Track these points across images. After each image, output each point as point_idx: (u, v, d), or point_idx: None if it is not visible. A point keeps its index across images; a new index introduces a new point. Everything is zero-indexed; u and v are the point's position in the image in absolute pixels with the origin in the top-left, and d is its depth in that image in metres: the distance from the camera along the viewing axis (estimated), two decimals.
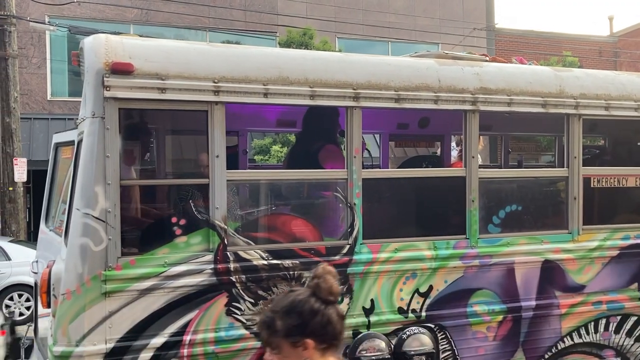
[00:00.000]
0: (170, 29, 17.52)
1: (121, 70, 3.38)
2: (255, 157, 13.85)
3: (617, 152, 5.94)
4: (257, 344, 3.69)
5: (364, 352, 3.52)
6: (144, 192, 3.81)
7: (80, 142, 3.53)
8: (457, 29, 19.99)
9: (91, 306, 3.37)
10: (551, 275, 4.46)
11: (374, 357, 3.52)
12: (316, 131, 4.57)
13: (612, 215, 4.93)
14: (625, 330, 4.72)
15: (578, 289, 4.55)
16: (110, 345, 3.39)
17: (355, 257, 3.90)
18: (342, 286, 3.89)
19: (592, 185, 4.64)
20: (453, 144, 8.17)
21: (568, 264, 4.51)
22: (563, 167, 4.58)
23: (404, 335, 3.70)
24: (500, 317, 4.31)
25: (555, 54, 20.00)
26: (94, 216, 3.36)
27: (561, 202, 4.62)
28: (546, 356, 4.47)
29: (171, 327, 3.52)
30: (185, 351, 3.53)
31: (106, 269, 3.38)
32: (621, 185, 4.76)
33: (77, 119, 3.69)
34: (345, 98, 3.87)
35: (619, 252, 4.66)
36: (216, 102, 3.57)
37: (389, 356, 3.58)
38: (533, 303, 4.40)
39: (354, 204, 3.89)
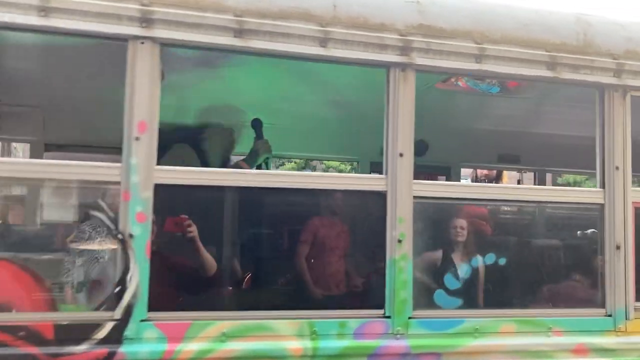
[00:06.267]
0: None
1: None
2: None
3: None
4: None
5: None
6: None
7: None
8: None
9: None
10: None
11: None
12: None
13: None
14: None
15: None
16: None
17: (126, 348, 1.83)
18: None
19: None
20: (468, 181, 5.98)
21: None
22: (596, 187, 2.41)
23: None
24: None
25: None
26: None
27: (590, 254, 2.40)
28: None
29: None
30: None
31: None
32: None
33: None
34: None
35: None
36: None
37: None
38: None
39: (131, 235, 1.85)
